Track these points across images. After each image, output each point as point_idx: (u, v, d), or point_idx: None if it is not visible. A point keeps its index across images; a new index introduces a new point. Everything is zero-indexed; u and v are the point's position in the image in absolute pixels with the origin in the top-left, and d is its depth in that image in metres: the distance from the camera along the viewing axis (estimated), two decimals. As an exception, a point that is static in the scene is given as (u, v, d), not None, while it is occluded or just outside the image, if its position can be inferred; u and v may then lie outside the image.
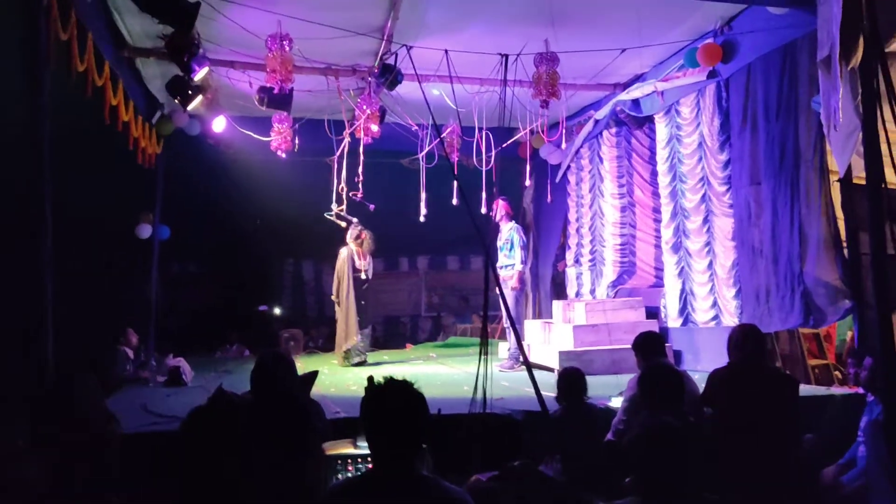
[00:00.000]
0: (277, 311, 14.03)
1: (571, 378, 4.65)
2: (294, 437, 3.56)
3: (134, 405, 6.00)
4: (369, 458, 2.48)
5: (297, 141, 8.71)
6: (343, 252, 9.19)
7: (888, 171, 3.45)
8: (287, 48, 6.86)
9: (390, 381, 2.41)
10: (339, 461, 3.61)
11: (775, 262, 6.37)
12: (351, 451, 3.68)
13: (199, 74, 6.97)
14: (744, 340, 4.32)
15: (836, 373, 7.17)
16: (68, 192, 6.60)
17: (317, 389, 5.99)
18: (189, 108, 7.64)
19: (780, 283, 6.31)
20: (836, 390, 5.99)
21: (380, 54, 7.64)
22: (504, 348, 9.06)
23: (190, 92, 7.33)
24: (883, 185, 3.52)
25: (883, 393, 3.87)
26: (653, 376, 4.12)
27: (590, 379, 4.76)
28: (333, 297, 9.20)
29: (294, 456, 3.43)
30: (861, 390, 5.08)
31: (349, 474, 3.51)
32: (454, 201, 8.57)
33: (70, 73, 5.69)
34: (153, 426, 5.02)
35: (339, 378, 7.75)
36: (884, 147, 3.49)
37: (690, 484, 2.63)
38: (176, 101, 7.62)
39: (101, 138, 7.34)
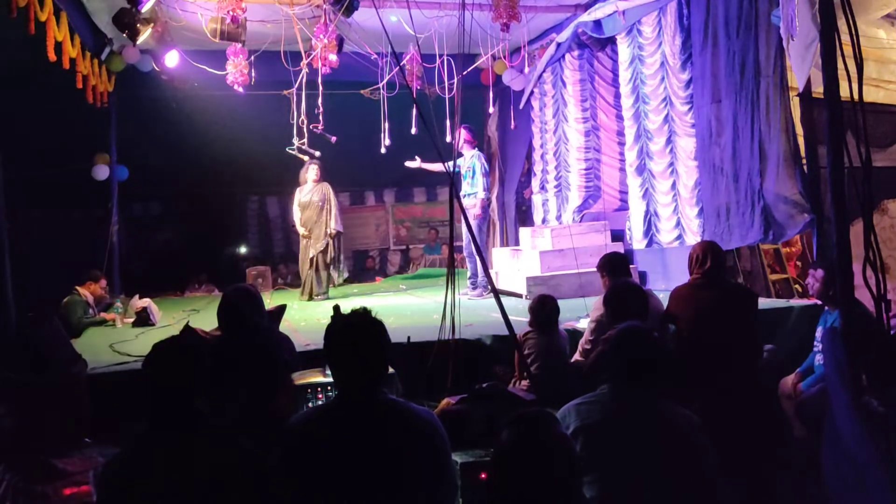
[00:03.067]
0: (243, 249, 13.94)
1: (544, 305, 4.70)
2: (263, 370, 3.57)
3: (101, 346, 5.97)
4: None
5: (253, 74, 8.49)
6: (325, 188, 9.02)
7: (843, 84, 3.44)
8: (237, -25, 6.63)
9: (350, 312, 2.45)
10: (310, 390, 3.64)
11: (736, 179, 6.43)
12: (320, 379, 3.72)
13: (147, 6, 6.75)
14: (703, 257, 4.39)
15: (797, 286, 7.36)
16: (16, 136, 6.41)
17: (287, 324, 6.03)
18: (138, 42, 7.39)
19: (740, 200, 6.38)
20: (796, 303, 6.15)
21: (334, -21, 7.42)
22: (473, 277, 9.11)
23: (138, 25, 7.09)
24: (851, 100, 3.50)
25: (840, 302, 3.97)
26: (617, 293, 4.19)
27: (558, 303, 4.81)
28: (337, 229, 9.00)
29: (263, 389, 3.45)
30: (819, 301, 5.22)
31: (320, 402, 3.55)
32: (413, 130, 8.40)
33: (10, 9, 5.45)
34: (122, 366, 5.00)
35: (308, 313, 7.77)
36: (850, 63, 3.45)
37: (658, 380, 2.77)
38: (124, 35, 7.35)
39: (48, 78, 7.09)
